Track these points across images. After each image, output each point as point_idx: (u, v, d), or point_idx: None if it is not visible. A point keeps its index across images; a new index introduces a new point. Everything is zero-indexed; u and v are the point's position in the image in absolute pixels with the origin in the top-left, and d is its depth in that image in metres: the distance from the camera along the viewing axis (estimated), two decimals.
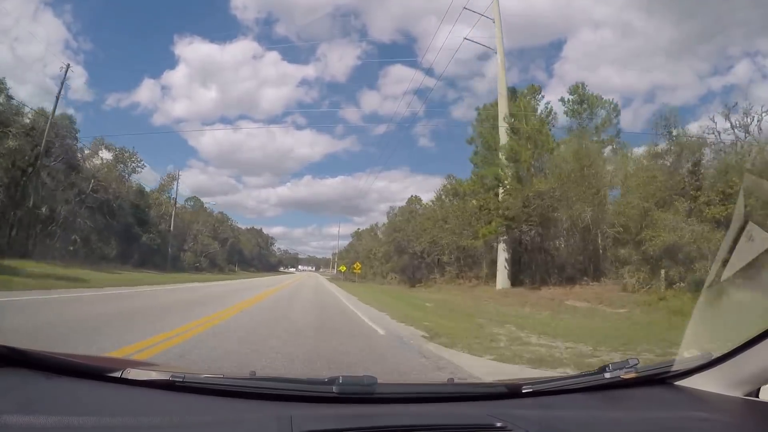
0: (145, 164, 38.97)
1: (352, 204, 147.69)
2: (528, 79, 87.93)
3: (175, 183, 46.48)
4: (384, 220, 66.58)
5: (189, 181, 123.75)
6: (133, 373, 1.32)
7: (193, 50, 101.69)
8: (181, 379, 1.32)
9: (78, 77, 74.62)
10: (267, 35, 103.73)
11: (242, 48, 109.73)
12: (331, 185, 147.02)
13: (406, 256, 40.15)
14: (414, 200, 51.25)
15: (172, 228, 43.19)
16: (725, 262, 1.92)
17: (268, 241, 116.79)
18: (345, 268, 54.64)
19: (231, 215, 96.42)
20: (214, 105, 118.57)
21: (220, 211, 77.93)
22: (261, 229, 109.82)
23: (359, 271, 47.56)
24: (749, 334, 1.41)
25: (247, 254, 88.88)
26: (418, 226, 37.37)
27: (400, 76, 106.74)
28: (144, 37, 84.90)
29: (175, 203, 46.42)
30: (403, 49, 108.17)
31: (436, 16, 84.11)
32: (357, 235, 74.61)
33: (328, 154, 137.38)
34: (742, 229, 1.89)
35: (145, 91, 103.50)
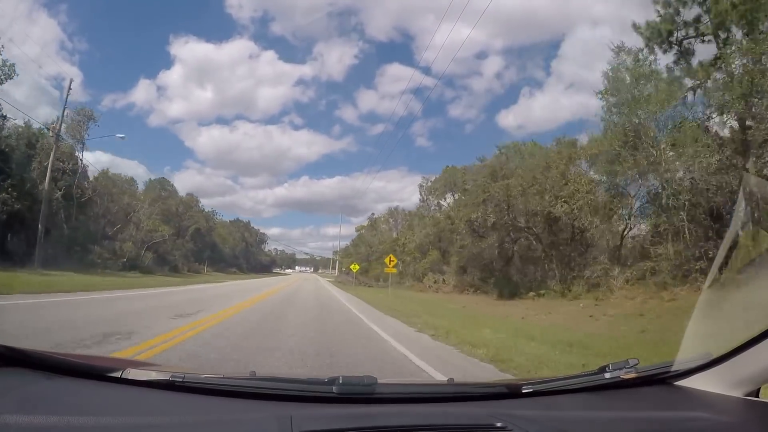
0: (17, 72, 22.90)
1: (349, 204, 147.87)
2: (526, 77, 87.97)
3: (64, 103, 25.38)
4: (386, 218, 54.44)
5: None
6: (133, 373, 1.33)
7: (188, 50, 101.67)
8: (181, 379, 1.32)
9: (74, 78, 74.01)
10: (263, 34, 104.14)
11: (238, 47, 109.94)
12: (329, 185, 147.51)
13: (493, 237, 23.39)
14: (451, 170, 39.00)
15: (47, 186, 23.54)
16: (726, 262, 1.92)
17: (258, 236, 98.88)
18: (358, 267, 40.12)
19: (228, 215, 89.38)
20: (211, 105, 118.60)
21: (190, 192, 59.79)
22: (249, 223, 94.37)
23: (394, 270, 27.11)
24: (749, 334, 1.41)
25: (228, 251, 72.93)
26: (564, 160, 19.37)
27: (397, 75, 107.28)
28: (139, 38, 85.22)
29: (57, 134, 24.45)
30: (400, 48, 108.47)
31: (434, 14, 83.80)
32: (370, 224, 58.40)
33: (325, 155, 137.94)
34: (742, 228, 1.90)
35: (141, 92, 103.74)
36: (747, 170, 13.16)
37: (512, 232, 22.88)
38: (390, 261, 25.24)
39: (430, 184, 42.56)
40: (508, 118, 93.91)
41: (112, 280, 20.80)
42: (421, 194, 43.81)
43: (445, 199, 40.54)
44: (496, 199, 21.82)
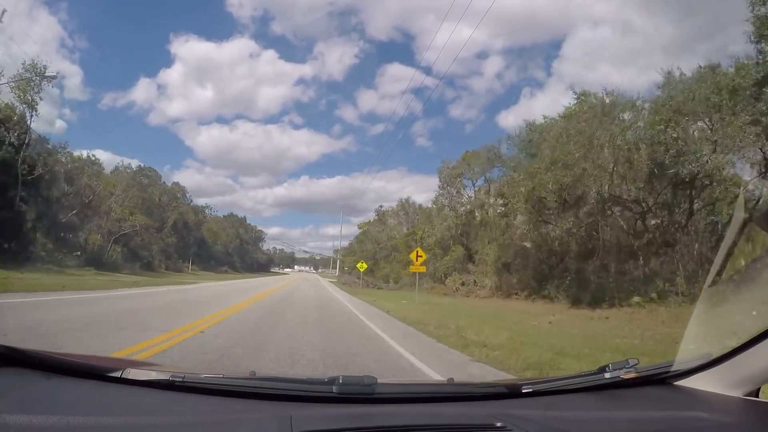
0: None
1: (349, 204, 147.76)
2: (527, 77, 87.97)
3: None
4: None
5: (186, 181, 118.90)
6: (133, 373, 1.33)
7: (189, 48, 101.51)
8: (181, 379, 1.32)
9: (74, 76, 73.87)
10: (263, 33, 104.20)
11: (239, 46, 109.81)
12: (329, 185, 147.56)
13: (568, 220, 17.80)
14: (472, 155, 32.23)
15: None
16: (725, 262, 1.92)
17: (254, 234, 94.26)
18: (365, 266, 34.33)
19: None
20: (211, 104, 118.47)
21: (176, 182, 57.17)
22: (245, 219, 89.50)
23: (423, 269, 20.49)
24: (749, 334, 1.41)
25: (220, 248, 68.10)
26: (720, 89, 12.76)
27: (397, 75, 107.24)
28: (140, 36, 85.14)
29: None
30: (401, 48, 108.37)
31: (435, 14, 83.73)
32: (378, 218, 52.09)
33: (326, 154, 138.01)
34: (742, 229, 1.90)
35: (141, 90, 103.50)
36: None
37: (609, 208, 15.87)
38: (417, 257, 18.57)
39: (451, 167, 34.32)
40: (508, 119, 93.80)
41: (24, 279, 14.56)
42: (440, 180, 36.24)
43: (465, 188, 34.28)
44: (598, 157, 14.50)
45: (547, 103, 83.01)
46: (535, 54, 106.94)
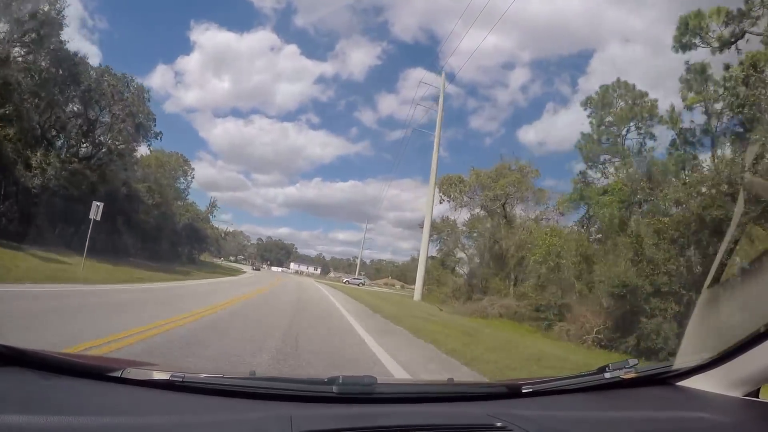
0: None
1: (360, 210, 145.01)
2: (552, 92, 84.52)
3: None
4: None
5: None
6: (133, 373, 1.32)
7: (209, 37, 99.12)
8: (180, 379, 1.32)
9: (93, 57, 72.73)
10: (285, 27, 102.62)
11: (259, 38, 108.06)
12: (341, 189, 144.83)
13: None
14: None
15: None
16: (725, 262, 1.92)
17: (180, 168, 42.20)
18: None
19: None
20: (228, 96, 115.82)
21: None
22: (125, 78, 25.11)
23: None
24: (749, 334, 1.41)
25: None
26: None
27: (419, 80, 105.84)
28: (160, 20, 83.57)
29: None
30: (424, 52, 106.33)
31: (463, 19, 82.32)
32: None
33: (340, 157, 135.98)
34: (742, 229, 1.90)
35: (158, 76, 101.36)
36: (748, 171, 13.20)
37: None
38: None
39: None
40: (528, 134, 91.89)
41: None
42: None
43: None
44: None
45: (569, 121, 78.75)
46: (562, 69, 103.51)
